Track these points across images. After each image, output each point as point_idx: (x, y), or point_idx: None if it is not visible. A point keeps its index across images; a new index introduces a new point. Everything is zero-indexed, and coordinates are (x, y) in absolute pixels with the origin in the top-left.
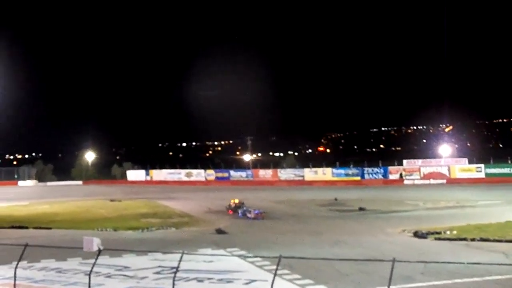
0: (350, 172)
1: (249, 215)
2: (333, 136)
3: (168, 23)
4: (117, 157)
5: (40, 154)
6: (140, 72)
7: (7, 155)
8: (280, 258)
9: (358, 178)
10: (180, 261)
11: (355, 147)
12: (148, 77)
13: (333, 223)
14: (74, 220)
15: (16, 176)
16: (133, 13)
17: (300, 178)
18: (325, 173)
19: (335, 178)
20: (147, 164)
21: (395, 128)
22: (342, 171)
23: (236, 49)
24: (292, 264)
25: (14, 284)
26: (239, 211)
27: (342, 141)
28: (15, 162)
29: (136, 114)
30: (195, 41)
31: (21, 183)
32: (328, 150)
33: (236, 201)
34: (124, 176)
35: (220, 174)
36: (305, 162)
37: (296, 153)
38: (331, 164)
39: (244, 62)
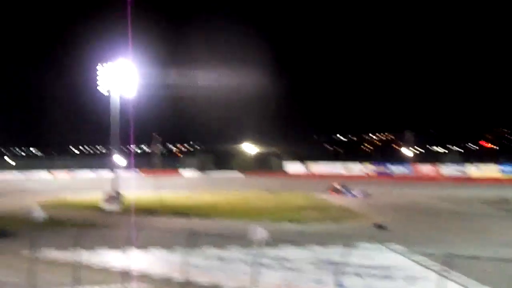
0: None
1: (356, 194)
2: (499, 131)
3: None
4: (276, 150)
5: (202, 145)
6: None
7: (170, 145)
8: (449, 257)
9: None
10: (345, 256)
11: None
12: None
13: (500, 223)
14: (234, 210)
15: (179, 166)
16: None
17: (463, 175)
18: (491, 170)
19: (502, 176)
20: (305, 157)
21: None
22: (509, 168)
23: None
24: (456, 263)
25: (181, 270)
26: (345, 191)
27: (509, 136)
28: (177, 153)
29: (294, 107)
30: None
31: (184, 172)
32: (493, 146)
33: (338, 184)
34: (282, 168)
35: (379, 169)
36: (468, 157)
37: (458, 148)
38: (497, 161)
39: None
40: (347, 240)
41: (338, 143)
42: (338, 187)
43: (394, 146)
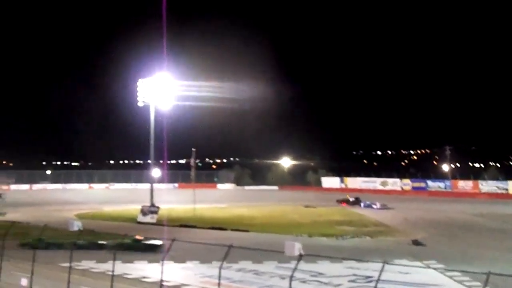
0: None
1: (374, 206)
2: None
3: None
4: (312, 164)
5: (238, 159)
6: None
7: (206, 159)
8: (489, 275)
9: None
10: (381, 271)
11: None
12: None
13: None
14: (270, 224)
15: (215, 179)
16: None
17: (504, 191)
18: None
19: None
20: (341, 171)
21: None
22: None
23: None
24: (497, 282)
25: (219, 283)
26: (361, 203)
27: None
28: (214, 166)
29: (331, 121)
30: None
31: (220, 186)
32: None
33: (348, 196)
34: (318, 182)
35: (416, 184)
36: (508, 174)
37: (498, 164)
38: None
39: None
40: (384, 255)
41: (377, 159)
42: (350, 198)
43: (433, 161)
